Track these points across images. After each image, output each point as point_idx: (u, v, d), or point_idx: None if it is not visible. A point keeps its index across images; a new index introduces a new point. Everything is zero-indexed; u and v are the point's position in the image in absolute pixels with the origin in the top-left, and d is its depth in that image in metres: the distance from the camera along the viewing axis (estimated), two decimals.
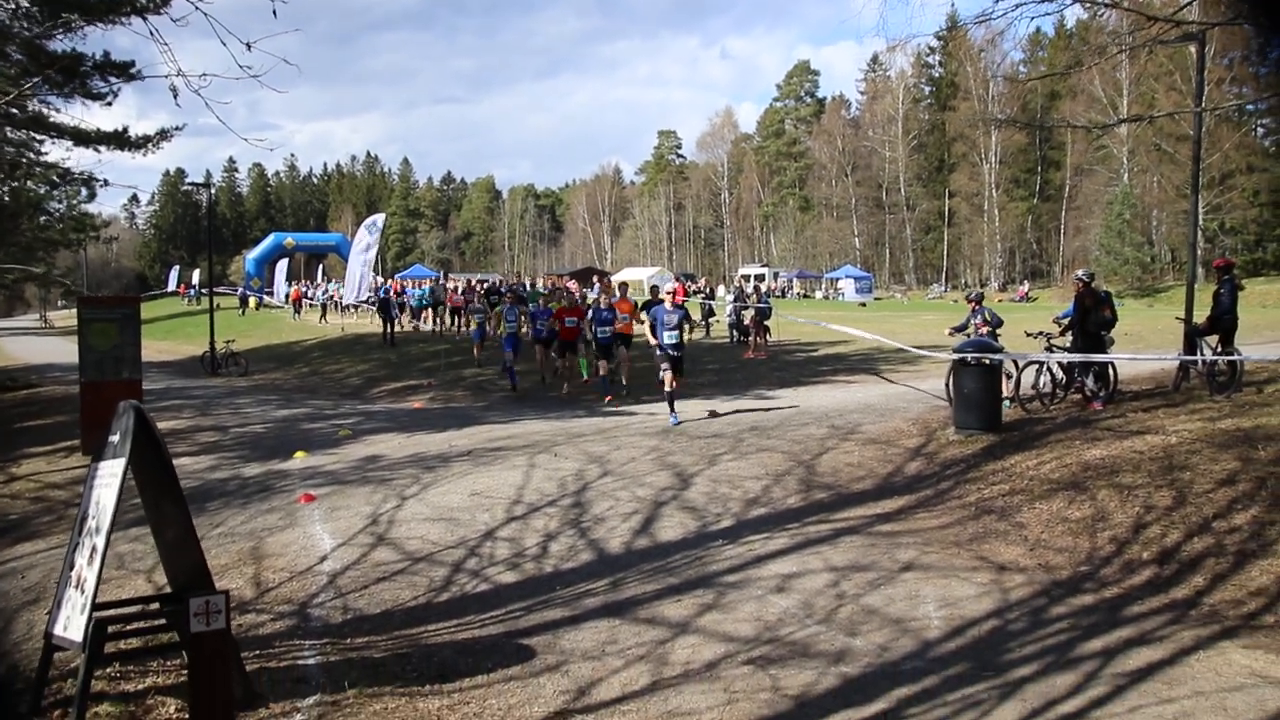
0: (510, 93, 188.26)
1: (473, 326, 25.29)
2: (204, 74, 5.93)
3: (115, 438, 4.78)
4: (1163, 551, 7.31)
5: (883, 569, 7.35)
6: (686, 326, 14.20)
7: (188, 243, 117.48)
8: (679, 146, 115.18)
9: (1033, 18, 18.55)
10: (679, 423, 13.62)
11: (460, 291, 32.86)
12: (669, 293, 16.71)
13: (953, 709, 4.98)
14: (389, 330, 30.70)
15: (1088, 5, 10.98)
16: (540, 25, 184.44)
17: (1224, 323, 13.24)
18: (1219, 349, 13.08)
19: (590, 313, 18.04)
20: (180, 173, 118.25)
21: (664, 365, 13.94)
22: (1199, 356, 13.17)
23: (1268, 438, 9.15)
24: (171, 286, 77.43)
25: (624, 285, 24.66)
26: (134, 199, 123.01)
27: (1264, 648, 5.65)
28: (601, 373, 17.71)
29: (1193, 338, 13.59)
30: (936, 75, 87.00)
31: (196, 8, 5.07)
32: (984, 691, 5.17)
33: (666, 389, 13.96)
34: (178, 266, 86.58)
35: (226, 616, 3.44)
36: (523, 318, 20.24)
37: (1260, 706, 4.88)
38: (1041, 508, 8.63)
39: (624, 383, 18.05)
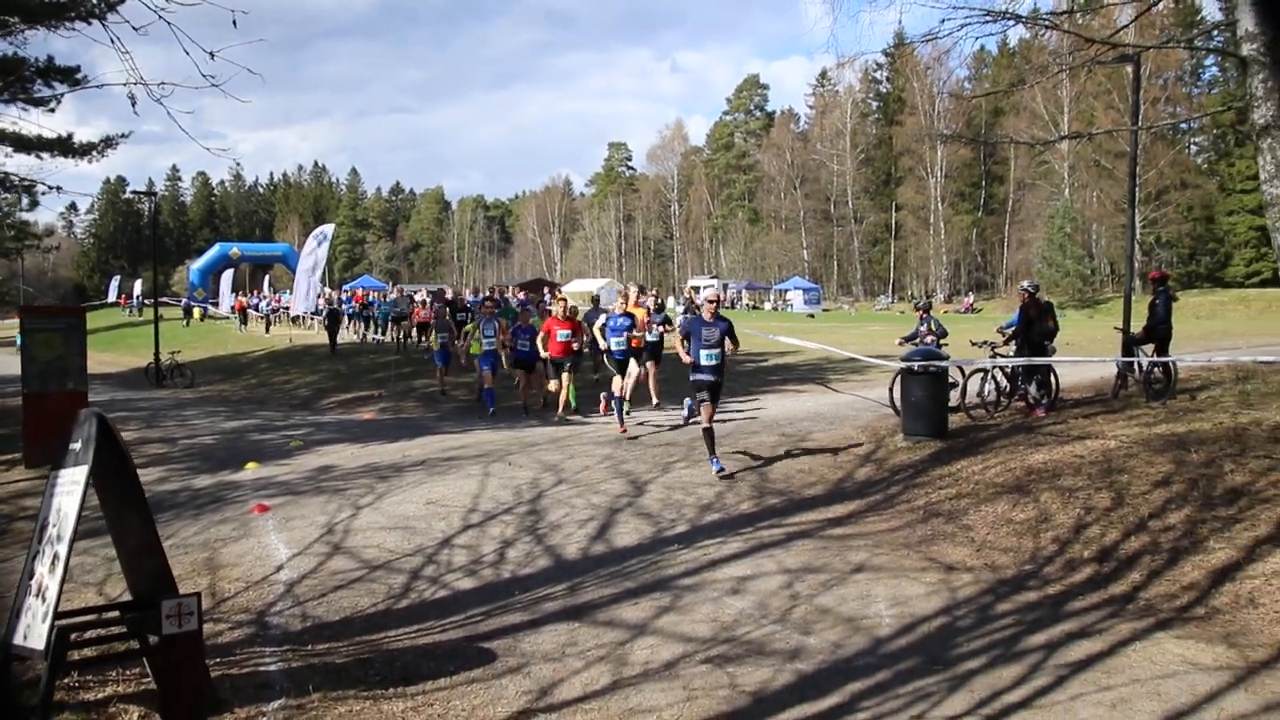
0: (461, 103, 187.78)
1: (435, 346, 21.36)
2: (163, 82, 5.94)
3: (77, 445, 4.78)
4: (1102, 550, 7.57)
5: (835, 570, 7.52)
6: (728, 344, 11.31)
7: (128, 252, 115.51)
8: (629, 158, 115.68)
9: (977, 37, 18.96)
10: (725, 472, 10.78)
11: (430, 304, 29.14)
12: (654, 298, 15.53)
13: (904, 701, 5.15)
14: (334, 340, 30.74)
15: (1030, 25, 11.32)
16: (492, 36, 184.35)
17: (1159, 332, 13.70)
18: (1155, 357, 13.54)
19: (604, 320, 14.85)
20: (121, 180, 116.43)
21: (702, 396, 11.18)
22: (1135, 359, 13.63)
23: (1200, 441, 9.48)
24: (112, 297, 76.03)
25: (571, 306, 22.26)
26: (72, 207, 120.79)
27: (1195, 637, 5.90)
28: (618, 393, 14.18)
29: (1130, 347, 14.03)
30: (884, 91, 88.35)
31: (160, 16, 5.11)
32: (934, 684, 5.35)
33: (705, 425, 10.99)
34: (118, 277, 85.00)
35: (198, 618, 3.49)
36: (503, 334, 17.06)
37: (1191, 690, 5.11)
38: (987, 510, 8.87)
39: (654, 400, 16.24)
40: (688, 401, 13.89)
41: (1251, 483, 8.19)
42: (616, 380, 14.05)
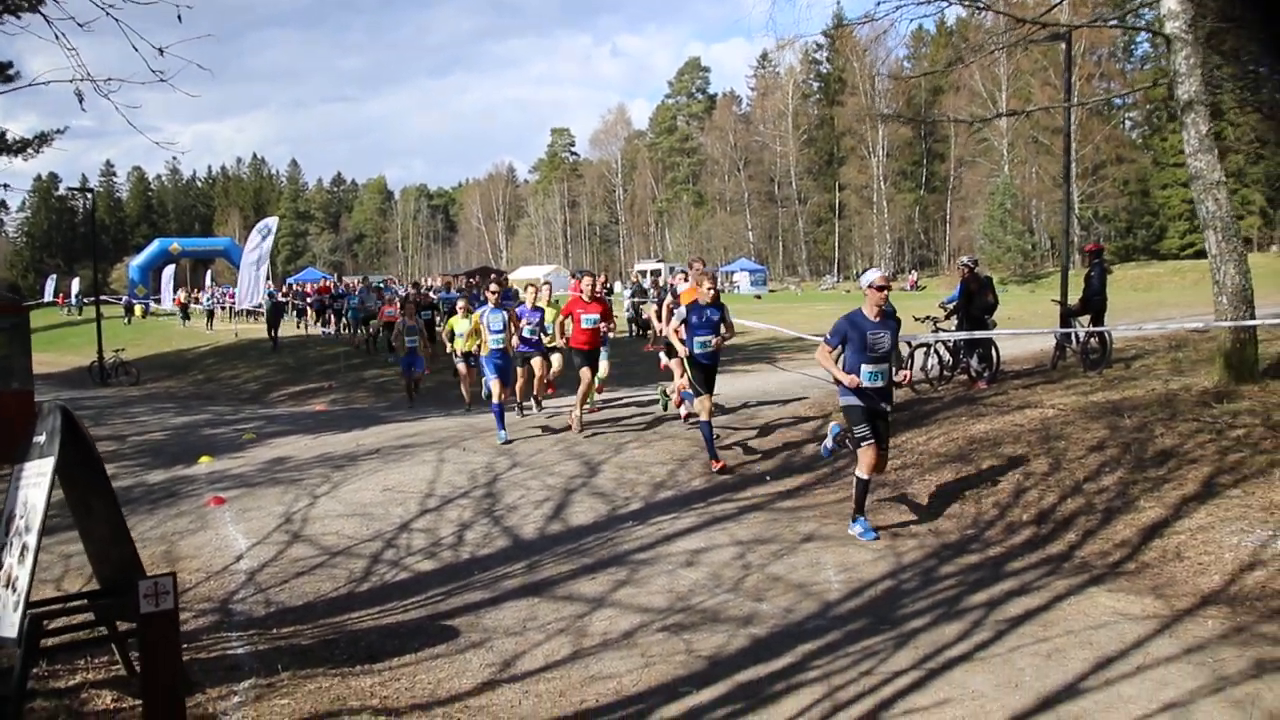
0: (402, 91, 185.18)
1: (402, 350, 18.44)
2: (110, 78, 5.97)
3: (41, 439, 4.85)
4: (1040, 513, 7.90)
5: (785, 541, 7.77)
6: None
7: (63, 250, 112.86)
8: (572, 144, 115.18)
9: (912, 19, 19.32)
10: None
11: (402, 301, 23.32)
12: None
13: (853, 659, 5.40)
14: (274, 334, 30.37)
15: (967, 5, 11.60)
16: (432, 23, 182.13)
17: (1094, 303, 14.14)
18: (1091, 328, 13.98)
19: (687, 313, 10.57)
20: (54, 177, 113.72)
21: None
22: (1073, 330, 14.06)
23: (1133, 408, 9.87)
24: (49, 296, 74.45)
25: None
26: (1, 205, 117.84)
27: (1125, 590, 6.23)
28: (702, 415, 10.38)
29: (1067, 319, 14.47)
30: (825, 71, 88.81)
31: (107, 13, 5.15)
32: (881, 643, 5.60)
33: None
34: (54, 275, 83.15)
35: (174, 597, 3.60)
36: (511, 326, 13.02)
37: (1120, 639, 5.42)
38: (931, 479, 9.18)
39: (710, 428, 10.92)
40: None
41: (1180, 444, 8.56)
42: (703, 403, 10.54)
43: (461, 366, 15.63)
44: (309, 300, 37.78)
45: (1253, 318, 10.39)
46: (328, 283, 43.73)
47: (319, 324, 35.50)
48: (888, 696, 4.93)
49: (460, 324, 14.84)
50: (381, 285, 35.93)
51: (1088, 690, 4.74)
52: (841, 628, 5.90)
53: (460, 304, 15.73)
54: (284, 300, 36.20)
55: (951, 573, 6.87)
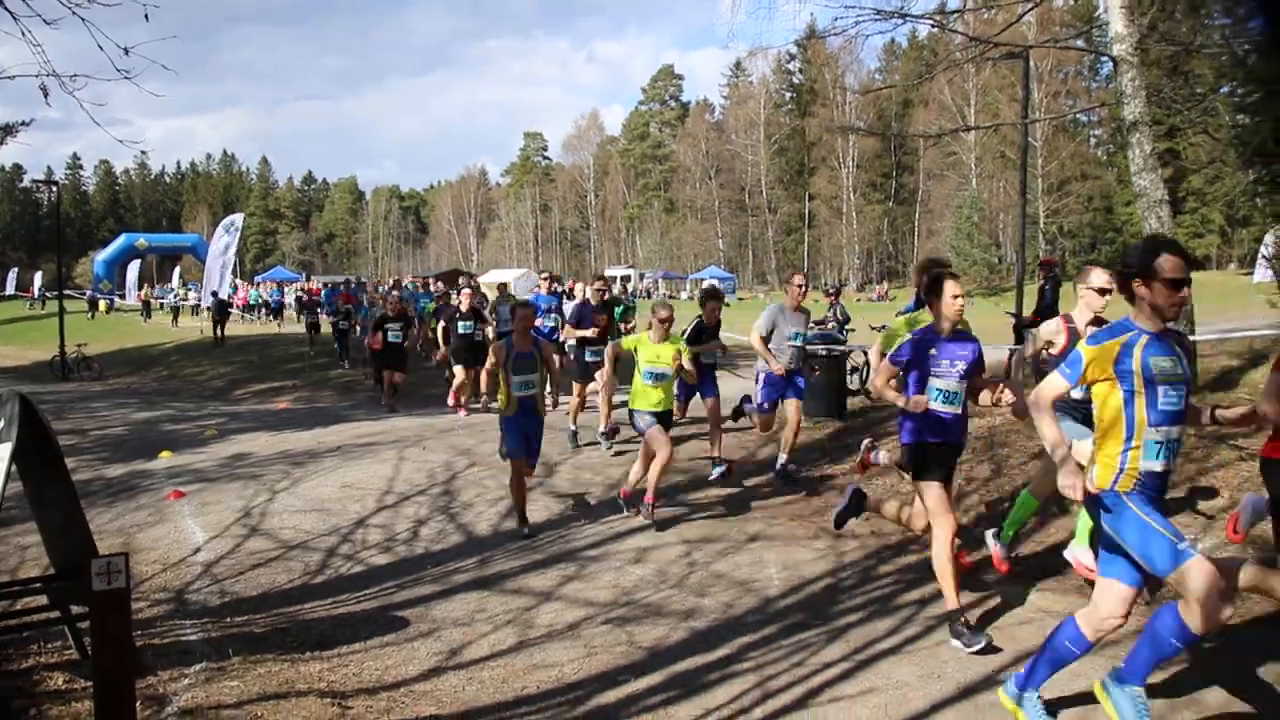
0: (377, 91, 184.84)
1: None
2: (75, 75, 6.09)
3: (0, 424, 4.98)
4: (979, 516, 8.17)
5: (731, 540, 8.00)
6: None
7: (26, 243, 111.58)
8: (545, 148, 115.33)
9: (868, 35, 19.69)
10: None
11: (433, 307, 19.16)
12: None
13: (787, 651, 5.63)
14: (219, 332, 30.16)
15: (921, 19, 11.90)
16: (412, 22, 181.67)
17: (1047, 316, 14.48)
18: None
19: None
20: (18, 169, 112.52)
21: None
22: (1026, 342, 14.36)
23: None
24: (10, 289, 73.67)
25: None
26: None
27: (1053, 590, 6.51)
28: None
29: (1020, 331, 14.82)
30: (797, 82, 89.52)
31: (74, 12, 5.30)
32: (814, 636, 5.84)
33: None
34: (16, 269, 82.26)
35: (126, 576, 3.75)
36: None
37: (1041, 633, 5.65)
38: (878, 483, 9.43)
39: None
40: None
41: None
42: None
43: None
44: (333, 311, 26.91)
45: (1191, 333, 10.73)
46: (316, 285, 42.46)
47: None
48: (816, 685, 5.16)
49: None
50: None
51: (1005, 680, 4.98)
52: (779, 622, 6.13)
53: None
54: (228, 300, 35.81)
55: (889, 572, 7.12)
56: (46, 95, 6.13)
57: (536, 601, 6.68)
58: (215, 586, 7.30)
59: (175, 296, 47.42)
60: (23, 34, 5.68)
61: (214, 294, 32.57)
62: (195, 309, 41.22)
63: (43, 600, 5.55)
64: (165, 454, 12.92)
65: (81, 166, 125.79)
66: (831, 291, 16.59)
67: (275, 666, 5.45)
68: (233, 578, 7.49)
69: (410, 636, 6.09)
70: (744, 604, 6.50)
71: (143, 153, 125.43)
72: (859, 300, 58.68)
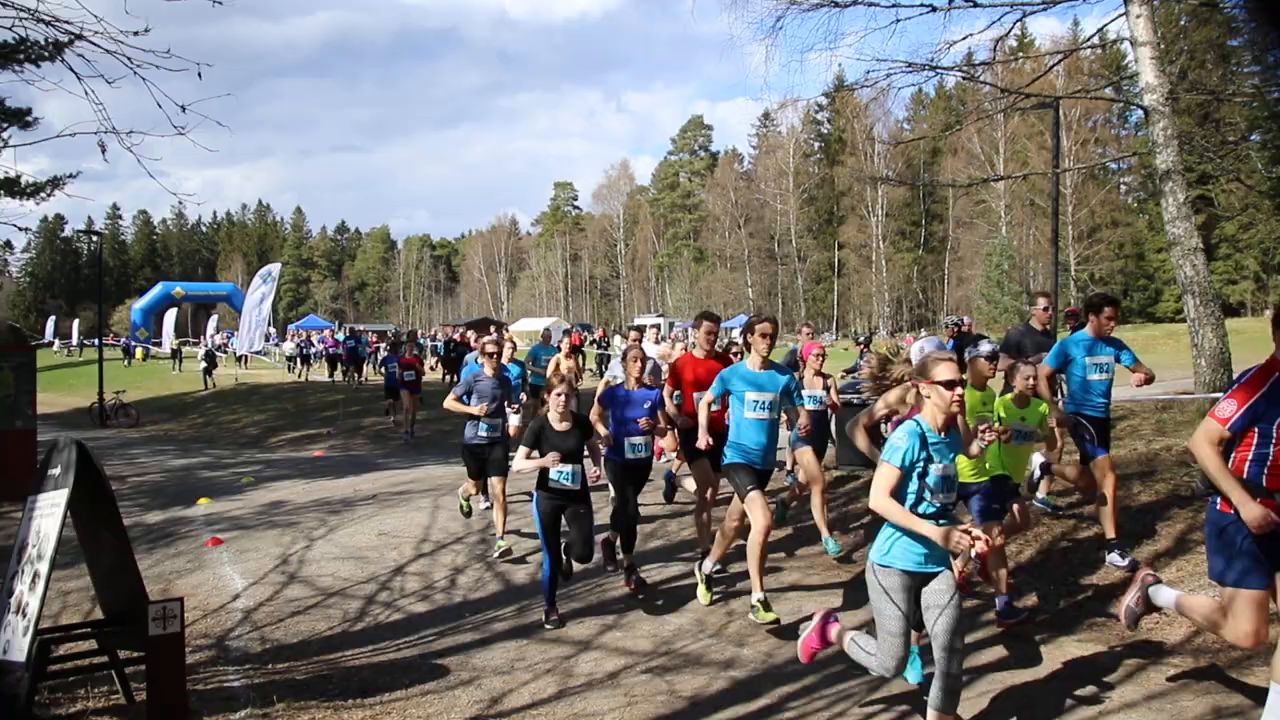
0: (408, 142, 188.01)
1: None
2: (132, 131, 6.30)
3: (56, 471, 5.10)
4: (1018, 565, 8.11)
5: (769, 589, 7.94)
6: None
7: (66, 291, 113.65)
8: (575, 198, 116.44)
9: (899, 87, 19.85)
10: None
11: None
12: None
13: (828, 701, 5.61)
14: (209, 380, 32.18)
15: (951, 71, 12.05)
16: (440, 76, 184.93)
17: None
18: None
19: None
20: (60, 219, 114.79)
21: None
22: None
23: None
24: (49, 337, 74.87)
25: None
26: (7, 245, 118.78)
27: (1094, 641, 6.43)
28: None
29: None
30: (825, 132, 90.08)
31: (135, 72, 5.49)
32: (856, 686, 5.82)
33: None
34: (54, 317, 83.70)
35: (181, 621, 3.82)
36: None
37: (1082, 684, 5.62)
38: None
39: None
40: None
41: (1156, 501, 8.79)
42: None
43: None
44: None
45: (1230, 380, 10.65)
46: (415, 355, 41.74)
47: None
48: None
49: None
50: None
51: None
52: (820, 672, 6.09)
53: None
54: (212, 350, 38.43)
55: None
56: (104, 150, 6.33)
57: (575, 650, 6.69)
58: (256, 633, 7.36)
59: (212, 345, 47.94)
60: (86, 93, 5.89)
61: (206, 349, 35.54)
62: (238, 356, 41.79)
63: (90, 645, 5.64)
64: (203, 501, 13.06)
65: (121, 216, 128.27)
66: (862, 341, 16.58)
67: (319, 713, 5.49)
68: (273, 624, 7.56)
69: (451, 684, 6.12)
70: (784, 653, 6.47)
71: (181, 201, 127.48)
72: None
